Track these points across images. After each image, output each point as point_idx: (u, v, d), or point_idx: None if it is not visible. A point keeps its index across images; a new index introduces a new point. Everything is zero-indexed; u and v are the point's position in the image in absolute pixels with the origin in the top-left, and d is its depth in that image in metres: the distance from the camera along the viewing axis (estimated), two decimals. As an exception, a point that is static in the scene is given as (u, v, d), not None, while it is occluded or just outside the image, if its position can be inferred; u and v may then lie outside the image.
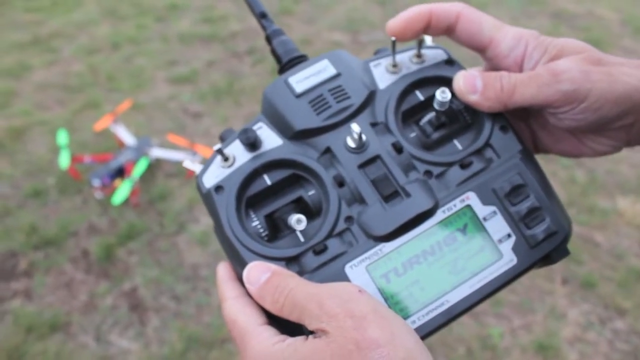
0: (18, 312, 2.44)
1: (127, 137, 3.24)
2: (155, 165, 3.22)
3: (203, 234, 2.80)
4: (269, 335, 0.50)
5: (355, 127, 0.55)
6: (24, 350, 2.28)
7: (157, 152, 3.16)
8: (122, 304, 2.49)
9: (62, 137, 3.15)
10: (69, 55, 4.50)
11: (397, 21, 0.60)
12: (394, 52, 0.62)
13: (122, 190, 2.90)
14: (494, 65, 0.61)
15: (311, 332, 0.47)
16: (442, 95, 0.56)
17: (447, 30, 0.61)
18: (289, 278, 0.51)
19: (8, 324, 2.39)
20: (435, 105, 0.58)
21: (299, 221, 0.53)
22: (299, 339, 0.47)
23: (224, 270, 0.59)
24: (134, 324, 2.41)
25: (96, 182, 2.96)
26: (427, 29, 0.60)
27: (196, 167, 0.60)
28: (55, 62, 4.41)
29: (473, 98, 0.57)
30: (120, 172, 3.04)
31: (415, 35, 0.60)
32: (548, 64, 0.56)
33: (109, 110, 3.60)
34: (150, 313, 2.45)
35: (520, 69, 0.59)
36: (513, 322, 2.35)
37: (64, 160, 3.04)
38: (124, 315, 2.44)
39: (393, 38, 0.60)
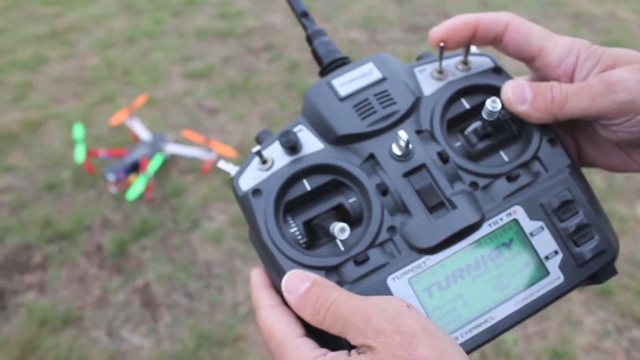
0: (32, 305, 2.45)
1: (142, 132, 3.24)
2: (169, 161, 3.21)
3: (217, 231, 2.79)
4: (308, 349, 0.48)
5: (403, 134, 0.53)
6: (37, 343, 2.29)
7: (172, 148, 3.16)
8: (135, 300, 2.49)
9: (78, 131, 3.16)
10: (86, 48, 4.52)
11: (441, 30, 0.58)
12: (441, 58, 0.60)
13: (137, 186, 2.90)
14: (542, 76, 0.59)
15: (353, 347, 0.46)
16: (492, 104, 0.54)
17: (494, 41, 0.59)
18: (331, 289, 0.49)
19: (22, 317, 2.40)
20: (484, 115, 0.56)
21: (342, 230, 0.51)
22: (342, 354, 0.45)
23: (258, 276, 0.57)
24: (146, 320, 2.41)
25: (111, 177, 2.96)
26: (473, 39, 0.58)
27: (232, 169, 0.58)
28: (71, 55, 4.42)
29: (522, 108, 0.55)
30: (135, 167, 3.05)
31: (459, 46, 0.59)
32: (601, 74, 0.54)
33: (124, 105, 3.61)
34: (163, 309, 2.45)
35: (570, 79, 0.57)
36: (527, 329, 2.33)
37: (80, 154, 3.05)
38: (136, 311, 2.44)
39: (442, 44, 0.58)
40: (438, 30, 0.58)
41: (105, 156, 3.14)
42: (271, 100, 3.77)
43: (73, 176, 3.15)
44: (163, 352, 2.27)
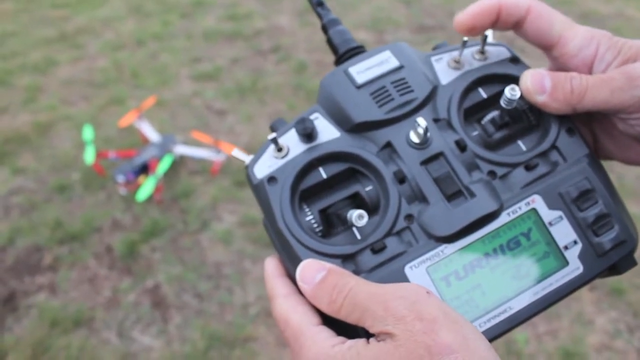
0: (43, 306, 2.46)
1: (151, 133, 3.25)
2: (179, 162, 3.22)
3: (226, 232, 2.79)
4: (326, 337, 0.47)
5: (421, 121, 0.52)
6: (48, 344, 2.30)
7: (181, 149, 3.17)
8: (145, 301, 2.50)
9: (88, 133, 3.17)
10: (95, 51, 4.54)
11: (466, 16, 0.57)
12: (462, 48, 0.59)
13: (146, 187, 2.91)
14: (560, 65, 0.58)
15: (370, 335, 0.45)
16: (511, 92, 0.54)
17: (516, 25, 0.57)
18: (348, 277, 0.48)
19: (33, 318, 2.41)
20: (503, 103, 0.55)
21: (360, 217, 0.50)
22: (360, 342, 0.44)
23: (272, 265, 0.55)
24: (156, 321, 2.41)
25: (120, 178, 2.97)
26: (496, 23, 0.57)
27: (246, 157, 0.58)
28: (80, 58, 4.44)
29: (540, 99, 0.55)
30: (145, 169, 3.06)
31: (483, 31, 0.58)
32: (623, 67, 0.53)
33: (133, 107, 3.62)
34: (173, 310, 2.45)
35: (589, 70, 0.56)
36: (538, 328, 2.31)
37: (89, 156, 3.06)
38: (146, 312, 2.45)
39: (465, 39, 0.57)
40: (463, 18, 0.57)
41: (114, 158, 3.16)
42: (279, 101, 3.77)
43: (83, 178, 3.17)
44: (173, 352, 2.28)
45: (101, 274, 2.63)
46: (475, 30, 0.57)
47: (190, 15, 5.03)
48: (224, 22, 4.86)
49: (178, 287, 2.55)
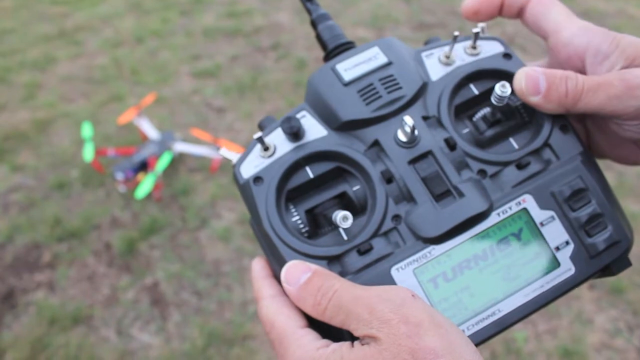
0: (41, 303, 2.46)
1: (150, 131, 3.24)
2: (178, 160, 3.22)
3: (225, 230, 2.79)
4: (310, 340, 0.46)
5: (408, 119, 0.51)
6: (47, 342, 2.29)
7: (180, 147, 3.16)
8: (144, 299, 2.49)
9: (87, 130, 3.17)
10: (94, 48, 4.53)
11: (472, 2, 0.57)
12: (453, 43, 0.58)
13: (145, 185, 2.90)
14: (554, 55, 0.57)
15: (355, 339, 0.44)
16: (502, 89, 0.53)
17: (519, 13, 0.58)
18: (333, 279, 0.47)
19: (31, 316, 2.41)
20: (493, 100, 0.54)
21: (345, 218, 0.49)
22: (345, 345, 0.44)
23: (259, 266, 0.55)
24: (155, 318, 2.41)
25: (119, 176, 2.96)
26: (501, 10, 0.57)
27: (233, 156, 0.57)
28: (80, 55, 4.43)
29: (534, 100, 0.53)
30: (144, 166, 3.05)
31: (488, 17, 0.58)
32: (623, 72, 0.51)
33: (132, 104, 3.61)
34: (172, 308, 2.45)
35: (581, 60, 0.55)
36: (538, 327, 2.31)
37: (88, 153, 3.06)
38: (145, 309, 2.44)
39: (456, 33, 0.56)
40: (470, 3, 0.57)
41: (113, 155, 3.15)
42: (279, 98, 3.76)
43: (82, 175, 3.16)
44: (172, 350, 2.27)
45: (100, 271, 2.63)
46: (480, 15, 0.57)
47: (189, 13, 5.01)
48: (224, 19, 4.85)
49: (177, 284, 2.55)
